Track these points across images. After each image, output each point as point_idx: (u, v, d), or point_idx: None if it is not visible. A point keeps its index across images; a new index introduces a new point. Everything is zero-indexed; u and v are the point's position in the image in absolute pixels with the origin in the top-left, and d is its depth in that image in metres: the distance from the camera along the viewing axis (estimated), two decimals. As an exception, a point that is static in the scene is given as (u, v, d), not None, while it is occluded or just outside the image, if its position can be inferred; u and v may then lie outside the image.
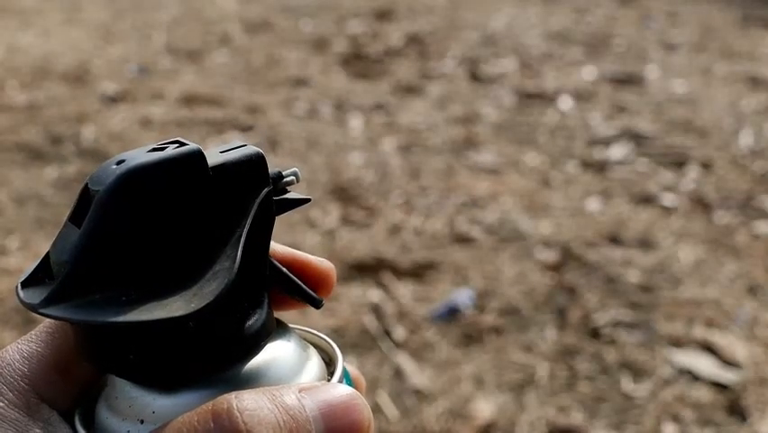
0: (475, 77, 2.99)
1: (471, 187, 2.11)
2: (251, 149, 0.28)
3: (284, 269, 0.30)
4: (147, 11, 3.87)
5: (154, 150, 0.27)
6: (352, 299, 1.62)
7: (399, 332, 1.53)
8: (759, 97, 2.78)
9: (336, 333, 1.52)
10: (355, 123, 2.56)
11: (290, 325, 0.31)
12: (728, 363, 1.44)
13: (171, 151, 0.26)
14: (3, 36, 3.46)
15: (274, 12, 3.85)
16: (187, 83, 2.90)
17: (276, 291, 0.30)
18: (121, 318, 0.24)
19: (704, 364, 1.44)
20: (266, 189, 0.28)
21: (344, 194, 2.07)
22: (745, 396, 1.36)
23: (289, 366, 0.29)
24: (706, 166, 2.25)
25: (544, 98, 2.77)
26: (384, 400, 1.36)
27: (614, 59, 3.19)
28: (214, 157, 0.27)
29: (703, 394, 1.37)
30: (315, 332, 0.33)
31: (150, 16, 3.78)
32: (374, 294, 1.64)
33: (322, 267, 0.32)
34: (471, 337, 1.52)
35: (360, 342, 1.50)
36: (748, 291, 1.65)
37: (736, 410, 1.33)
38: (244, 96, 2.77)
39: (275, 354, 0.28)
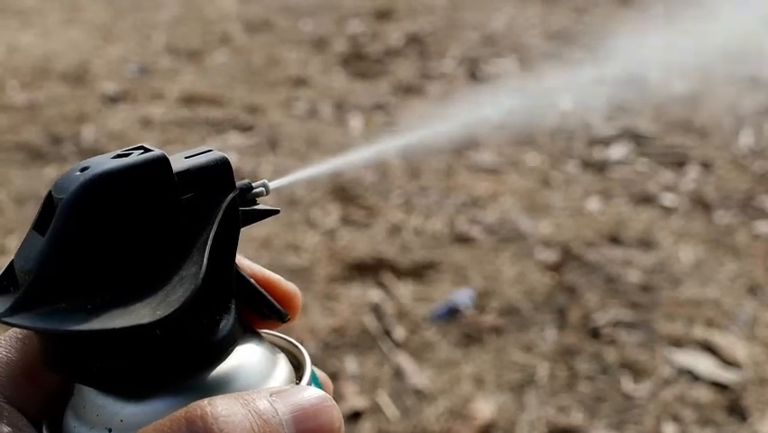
0: (475, 77, 2.99)
1: (471, 187, 2.11)
2: (216, 154, 0.28)
3: (251, 280, 0.30)
4: (147, 11, 3.87)
5: (119, 156, 0.26)
6: (352, 299, 1.62)
7: (399, 332, 1.53)
8: (759, 97, 2.78)
9: (336, 333, 1.52)
10: (355, 123, 2.56)
11: (261, 331, 0.31)
12: (728, 363, 1.44)
13: (135, 157, 0.26)
14: (3, 36, 3.46)
15: (274, 12, 3.85)
16: (187, 83, 2.90)
17: (244, 306, 0.30)
18: (86, 327, 0.24)
19: (704, 364, 1.44)
20: (232, 195, 0.28)
21: (344, 194, 2.07)
22: (745, 396, 1.36)
23: (258, 371, 0.29)
24: (706, 166, 2.25)
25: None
26: (384, 400, 1.36)
27: (614, 59, 3.18)
28: (179, 162, 0.27)
29: (703, 394, 1.37)
30: (283, 336, 0.33)
31: (150, 16, 3.78)
32: (374, 294, 1.64)
33: (289, 289, 0.32)
34: (471, 337, 1.52)
35: (360, 342, 1.50)
36: (748, 291, 1.65)
37: (736, 410, 1.33)
38: (244, 96, 2.77)
39: (244, 359, 0.28)
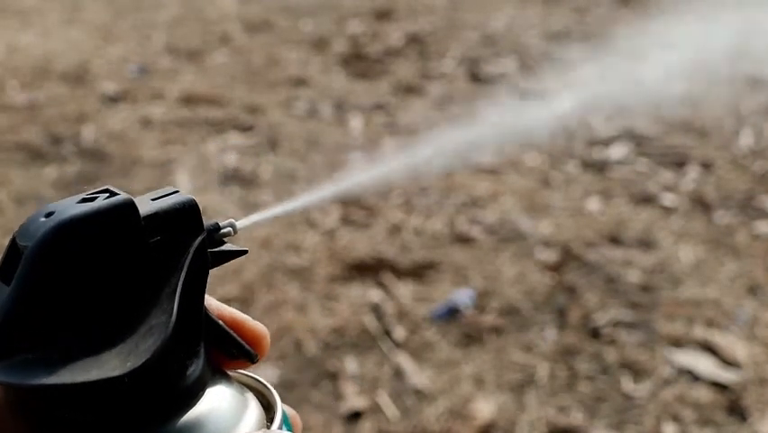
0: (475, 77, 2.99)
1: (471, 187, 2.11)
2: (183, 196, 0.27)
3: (220, 322, 0.30)
4: (147, 11, 3.87)
5: (84, 200, 0.26)
6: (352, 299, 1.62)
7: (399, 332, 1.53)
8: (759, 97, 2.78)
9: (336, 333, 1.52)
10: (355, 123, 2.56)
11: (230, 372, 0.31)
12: (728, 363, 1.44)
13: (102, 201, 0.25)
14: (3, 36, 3.46)
15: (274, 12, 3.85)
16: (187, 83, 2.90)
17: (212, 348, 0.29)
18: (55, 380, 0.23)
19: (704, 364, 1.44)
20: (200, 238, 0.28)
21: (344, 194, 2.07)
22: (745, 396, 1.36)
23: (228, 416, 0.28)
24: (706, 166, 2.25)
25: (544, 98, 2.77)
26: (384, 400, 1.36)
27: (614, 58, 3.18)
28: (145, 206, 0.27)
29: (703, 394, 1.37)
30: (252, 375, 0.32)
31: (150, 16, 3.78)
32: (374, 294, 1.64)
33: (257, 328, 0.31)
34: (471, 337, 1.52)
35: (360, 342, 1.50)
36: (748, 291, 1.65)
37: (736, 410, 1.33)
38: (244, 96, 2.77)
39: (213, 404, 0.28)
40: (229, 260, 0.30)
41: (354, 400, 1.36)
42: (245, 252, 0.31)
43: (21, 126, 2.49)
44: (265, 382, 0.32)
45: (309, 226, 1.91)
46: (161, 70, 3.05)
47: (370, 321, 1.56)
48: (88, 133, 2.44)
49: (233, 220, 0.30)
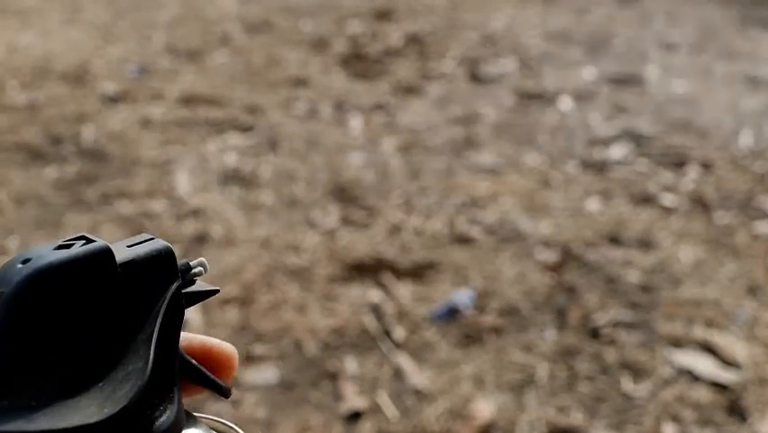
0: (475, 77, 2.99)
1: (471, 187, 2.11)
2: (159, 243, 0.28)
3: (192, 360, 0.30)
4: (147, 11, 3.87)
5: (60, 247, 0.26)
6: (352, 299, 1.62)
7: (399, 332, 1.53)
8: (759, 97, 2.78)
9: (336, 333, 1.52)
10: (355, 123, 2.56)
11: (198, 415, 0.31)
12: (728, 363, 1.44)
13: (78, 249, 0.26)
14: (3, 36, 3.46)
15: (274, 12, 3.85)
16: (186, 83, 2.90)
17: (184, 380, 0.30)
18: (32, 427, 0.24)
19: (704, 364, 1.44)
20: (175, 285, 0.28)
21: (344, 194, 2.07)
22: (744, 396, 1.36)
23: None
24: (706, 166, 2.25)
25: (544, 98, 2.77)
26: (384, 400, 1.36)
27: (614, 59, 3.19)
28: (121, 253, 0.27)
29: (703, 394, 1.37)
30: (223, 421, 0.33)
31: (150, 16, 3.78)
32: (374, 294, 1.64)
33: (225, 351, 0.32)
34: (471, 337, 1.52)
35: (360, 342, 1.50)
36: (748, 291, 1.65)
37: (736, 411, 1.33)
38: (244, 96, 2.77)
39: None
40: (201, 300, 0.31)
41: (354, 400, 1.36)
42: (217, 291, 0.31)
43: (21, 126, 2.50)
44: (233, 426, 0.32)
45: (309, 227, 1.91)
46: (161, 70, 3.05)
47: (369, 321, 1.56)
48: (88, 134, 2.44)
49: (203, 259, 0.31)
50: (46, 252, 0.26)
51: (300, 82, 2.92)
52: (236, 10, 3.92)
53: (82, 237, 0.27)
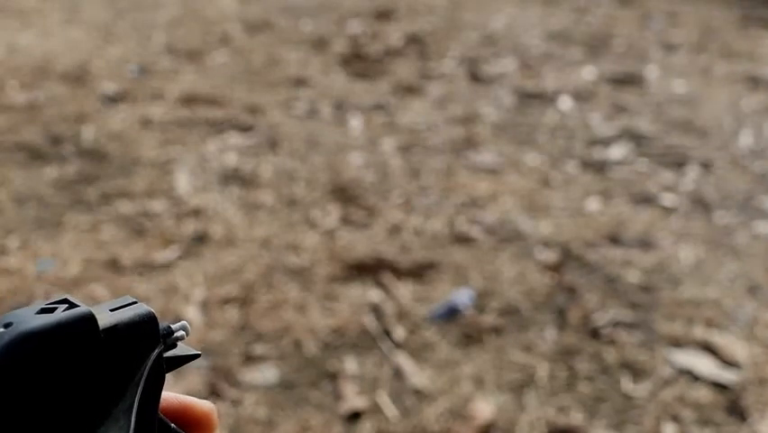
0: (475, 77, 2.99)
1: (471, 187, 2.11)
2: (141, 308, 0.28)
3: (172, 424, 0.30)
4: (147, 11, 3.87)
5: (43, 311, 0.26)
6: (352, 299, 1.62)
7: (399, 332, 1.53)
8: (759, 97, 2.78)
9: (336, 333, 1.52)
10: (355, 123, 2.56)
11: None
12: (728, 363, 1.44)
13: (61, 314, 0.26)
14: (3, 36, 3.46)
15: (274, 12, 3.85)
16: (186, 83, 2.90)
17: None
18: None
19: (704, 364, 1.44)
20: (157, 350, 0.28)
21: (344, 194, 2.07)
22: (744, 396, 1.36)
23: None
24: (706, 166, 2.25)
25: (544, 98, 2.77)
26: (384, 400, 1.36)
27: (614, 59, 3.19)
28: (104, 318, 0.27)
29: (703, 394, 1.37)
30: None
31: (150, 16, 3.78)
32: (374, 294, 1.64)
33: (203, 409, 0.32)
34: (471, 337, 1.52)
35: (360, 342, 1.50)
36: (748, 291, 1.65)
37: (736, 410, 1.33)
38: (244, 96, 2.77)
39: None
40: (182, 364, 0.31)
41: (354, 400, 1.36)
42: (198, 355, 0.31)
43: (21, 126, 2.50)
44: None
45: (309, 226, 1.91)
46: (161, 70, 3.05)
47: (369, 321, 1.56)
48: (88, 133, 2.44)
49: (185, 322, 0.31)
50: (28, 316, 0.26)
51: (300, 82, 2.92)
52: (236, 10, 3.92)
53: (65, 301, 0.27)
